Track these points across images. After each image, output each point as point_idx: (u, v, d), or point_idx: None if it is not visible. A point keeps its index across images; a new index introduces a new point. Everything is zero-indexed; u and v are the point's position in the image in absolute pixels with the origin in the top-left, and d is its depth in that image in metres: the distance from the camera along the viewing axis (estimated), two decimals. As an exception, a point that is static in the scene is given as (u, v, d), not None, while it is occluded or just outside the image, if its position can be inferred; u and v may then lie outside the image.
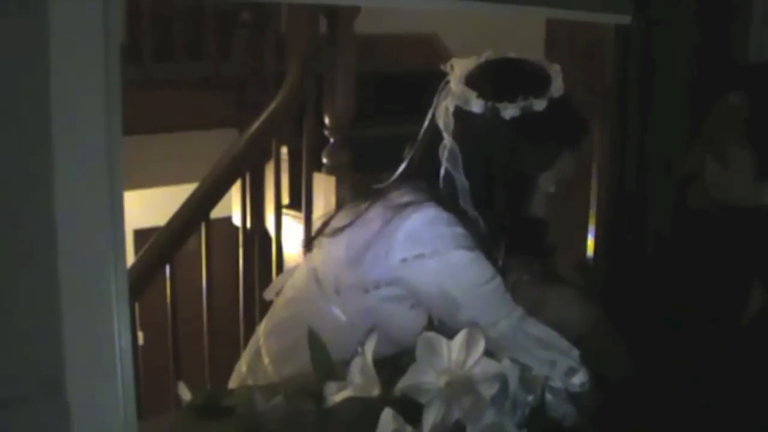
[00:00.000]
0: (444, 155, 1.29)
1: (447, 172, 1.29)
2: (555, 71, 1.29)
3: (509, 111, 1.24)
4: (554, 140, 1.30)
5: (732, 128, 1.22)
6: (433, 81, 1.34)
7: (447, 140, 1.28)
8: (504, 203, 1.30)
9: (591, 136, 1.37)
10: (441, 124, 1.30)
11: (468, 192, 1.28)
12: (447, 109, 1.29)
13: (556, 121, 1.28)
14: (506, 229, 1.31)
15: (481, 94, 1.26)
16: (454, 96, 1.29)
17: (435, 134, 1.31)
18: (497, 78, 1.30)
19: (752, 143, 1.20)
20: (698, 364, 1.24)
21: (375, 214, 1.31)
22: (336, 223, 1.38)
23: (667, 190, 1.66)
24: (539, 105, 1.25)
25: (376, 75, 3.24)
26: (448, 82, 1.31)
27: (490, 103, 1.25)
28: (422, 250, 1.25)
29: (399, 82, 3.24)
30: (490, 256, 1.29)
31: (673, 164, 1.63)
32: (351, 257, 1.31)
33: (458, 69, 1.31)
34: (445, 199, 1.29)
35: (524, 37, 1.75)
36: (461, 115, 1.28)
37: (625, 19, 1.63)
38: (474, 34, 1.95)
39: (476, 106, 1.26)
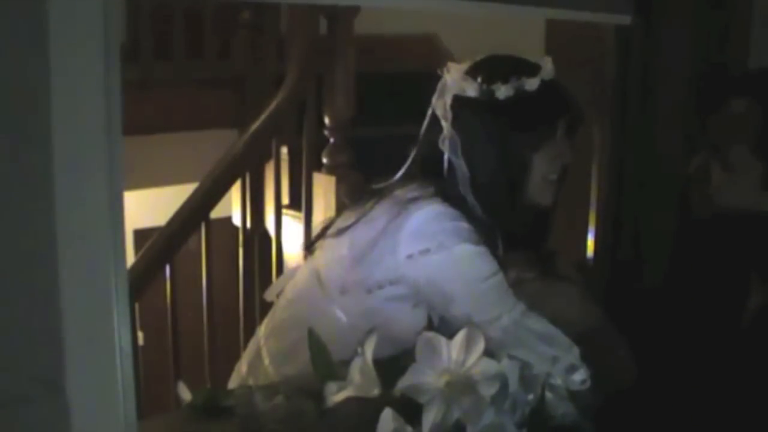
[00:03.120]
0: (445, 145, 1.32)
1: (450, 164, 1.32)
2: (545, 60, 1.35)
3: (503, 91, 1.30)
4: (546, 120, 1.34)
5: (738, 135, 1.22)
6: (433, 81, 1.38)
7: (446, 130, 1.33)
8: (502, 186, 1.33)
9: (584, 124, 1.40)
10: (440, 115, 1.34)
11: (468, 179, 1.31)
12: (445, 103, 1.34)
13: (548, 102, 1.33)
14: (508, 216, 1.33)
15: (476, 79, 1.32)
16: (452, 88, 1.34)
17: (436, 129, 1.35)
18: (491, 63, 1.36)
19: (760, 152, 1.20)
20: (699, 363, 1.24)
21: (380, 212, 1.32)
22: (340, 224, 1.38)
23: (667, 190, 1.66)
24: (531, 85, 1.31)
25: (376, 75, 3.23)
26: (445, 83, 1.35)
27: (485, 86, 1.31)
28: (427, 245, 1.26)
29: (399, 82, 3.24)
30: (494, 251, 1.30)
31: (673, 164, 1.63)
32: (356, 255, 1.31)
33: (454, 69, 1.36)
34: (451, 195, 1.31)
35: (524, 38, 1.76)
36: (459, 102, 1.33)
37: (625, 19, 1.63)
38: (474, 35, 1.95)
39: (472, 90, 1.32)
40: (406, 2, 1.58)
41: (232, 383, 1.48)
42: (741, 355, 1.20)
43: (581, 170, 1.75)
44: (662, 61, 1.65)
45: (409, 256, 1.27)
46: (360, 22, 2.71)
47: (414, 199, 1.30)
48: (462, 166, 1.32)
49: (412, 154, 1.40)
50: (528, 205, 1.37)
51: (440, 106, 1.34)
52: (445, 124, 1.33)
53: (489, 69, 1.34)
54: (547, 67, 1.33)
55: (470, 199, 1.31)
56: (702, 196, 1.29)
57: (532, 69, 1.33)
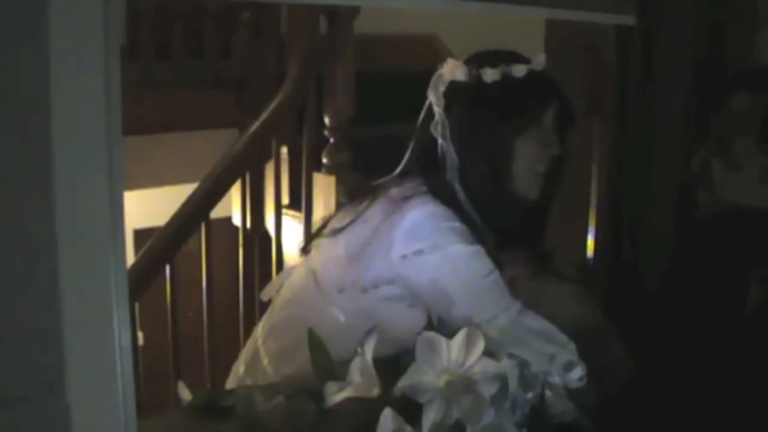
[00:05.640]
0: (437, 131, 1.34)
1: (443, 153, 1.33)
2: (538, 55, 1.37)
3: (489, 75, 1.33)
4: (530, 106, 1.35)
5: (742, 130, 1.21)
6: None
7: (438, 115, 1.35)
8: (486, 171, 1.33)
9: (580, 122, 1.41)
10: (434, 102, 1.36)
11: (457, 165, 1.33)
12: (439, 90, 1.37)
13: (534, 89, 1.35)
14: (494, 208, 1.33)
15: (468, 64, 1.36)
16: (446, 75, 1.37)
17: (431, 118, 1.36)
18: (485, 53, 1.40)
19: (765, 147, 1.19)
20: (699, 361, 1.24)
21: (374, 211, 1.32)
22: (335, 224, 1.38)
23: (668, 189, 1.66)
24: (518, 72, 1.33)
25: (376, 75, 3.23)
26: (441, 73, 1.38)
27: (474, 71, 1.35)
28: (421, 245, 1.27)
29: (399, 82, 3.24)
30: (488, 250, 1.30)
31: (673, 164, 1.63)
32: (351, 254, 1.31)
33: (452, 62, 1.39)
34: (444, 194, 1.32)
35: (524, 38, 1.75)
36: (451, 88, 1.36)
37: (626, 19, 1.63)
38: (474, 35, 1.95)
39: (462, 75, 1.35)
40: (406, 2, 1.58)
41: (230, 383, 1.48)
42: (740, 352, 1.20)
43: (581, 170, 1.75)
44: (662, 60, 1.65)
45: (403, 257, 1.27)
46: (360, 22, 2.71)
47: (407, 199, 1.30)
48: (451, 152, 1.33)
49: (410, 147, 1.41)
50: (514, 196, 1.37)
51: (435, 93, 1.37)
52: (438, 110, 1.35)
53: (481, 57, 1.37)
54: (538, 59, 1.36)
55: (459, 188, 1.32)
56: (705, 193, 1.28)
57: (523, 60, 1.35)
